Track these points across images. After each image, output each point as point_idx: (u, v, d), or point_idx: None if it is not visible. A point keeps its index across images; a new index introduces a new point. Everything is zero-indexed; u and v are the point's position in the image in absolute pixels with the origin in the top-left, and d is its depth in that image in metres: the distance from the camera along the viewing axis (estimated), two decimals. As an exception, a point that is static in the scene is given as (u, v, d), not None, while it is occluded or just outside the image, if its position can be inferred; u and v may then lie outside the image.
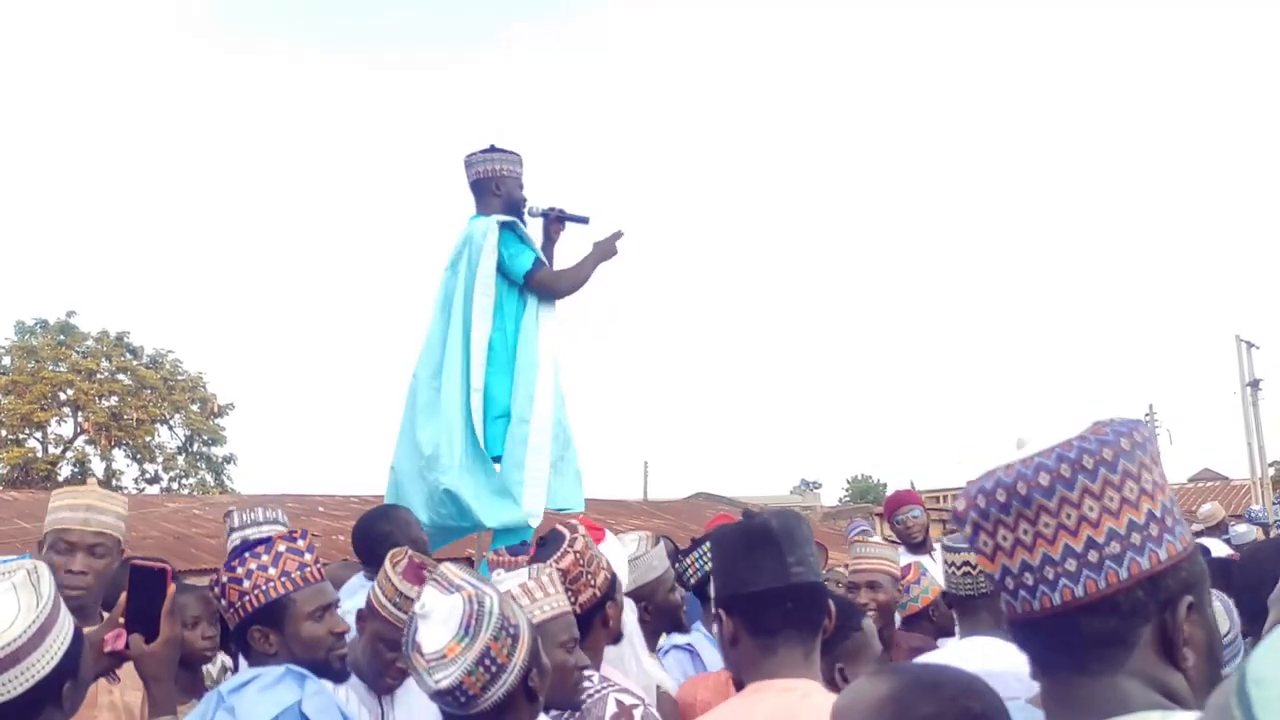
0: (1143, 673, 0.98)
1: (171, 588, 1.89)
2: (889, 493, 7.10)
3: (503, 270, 3.96)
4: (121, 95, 46.82)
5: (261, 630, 2.20)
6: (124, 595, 1.89)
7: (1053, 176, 66.88)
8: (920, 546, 5.27)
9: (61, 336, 24.24)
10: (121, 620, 1.89)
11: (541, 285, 4.01)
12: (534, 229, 4.19)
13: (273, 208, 49.31)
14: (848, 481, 54.71)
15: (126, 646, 1.87)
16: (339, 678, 2.27)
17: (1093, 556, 0.97)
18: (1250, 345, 21.26)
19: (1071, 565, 0.98)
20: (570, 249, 4.23)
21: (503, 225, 3.99)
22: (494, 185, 4.08)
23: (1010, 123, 64.63)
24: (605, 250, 4.12)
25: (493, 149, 4.15)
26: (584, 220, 4.24)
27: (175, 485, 25.29)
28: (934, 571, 3.86)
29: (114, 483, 24.18)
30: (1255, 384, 20.90)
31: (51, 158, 45.59)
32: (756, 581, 1.76)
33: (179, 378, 25.27)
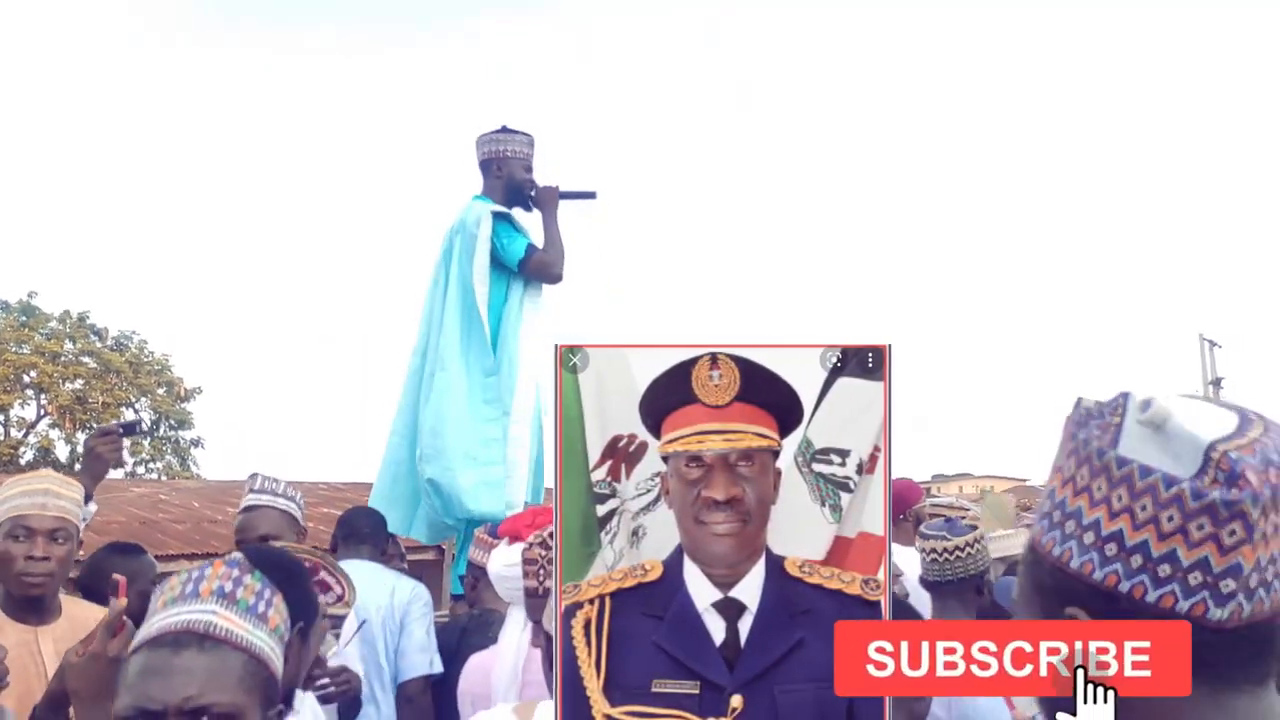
0: None
1: (122, 600, 1.71)
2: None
3: (495, 259, 3.92)
4: (81, 73, 46.17)
5: None
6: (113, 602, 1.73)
7: (1015, 177, 67.52)
8: None
9: (23, 318, 23.89)
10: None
11: (538, 269, 3.95)
12: (531, 221, 4.13)
13: (239, 188, 48.84)
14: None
15: None
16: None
17: None
18: (1213, 344, 21.56)
19: None
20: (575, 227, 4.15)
21: (496, 216, 3.94)
22: (496, 166, 4.05)
23: (981, 123, 65.14)
24: (548, 196, 4.05)
25: (503, 129, 4.11)
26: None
27: (141, 469, 25.04)
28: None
29: (77, 466, 23.88)
30: (1218, 382, 21.20)
31: (8, 134, 44.89)
32: None
33: (145, 360, 25.00)
